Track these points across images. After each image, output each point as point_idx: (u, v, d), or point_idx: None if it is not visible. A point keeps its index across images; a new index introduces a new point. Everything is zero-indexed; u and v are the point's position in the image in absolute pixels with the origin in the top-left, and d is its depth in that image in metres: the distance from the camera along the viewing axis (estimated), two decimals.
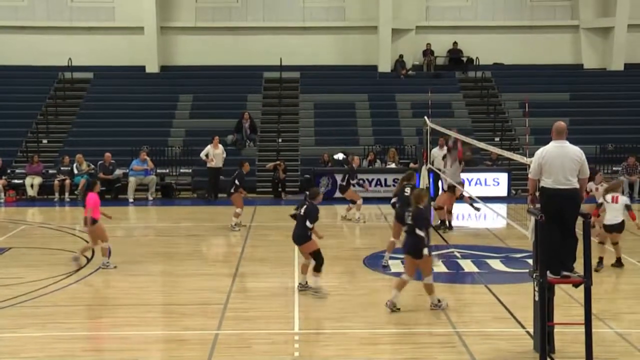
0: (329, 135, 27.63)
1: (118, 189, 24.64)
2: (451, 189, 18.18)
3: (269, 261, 15.09)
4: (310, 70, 31.23)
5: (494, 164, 25.51)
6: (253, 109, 29.05)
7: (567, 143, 9.42)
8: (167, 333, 10.90)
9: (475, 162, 25.06)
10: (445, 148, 20.82)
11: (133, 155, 25.02)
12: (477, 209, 19.53)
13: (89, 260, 14.85)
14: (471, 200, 18.93)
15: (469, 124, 28.23)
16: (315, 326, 11.24)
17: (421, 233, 11.33)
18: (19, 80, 30.63)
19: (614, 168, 25.51)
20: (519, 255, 15.35)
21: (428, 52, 31.75)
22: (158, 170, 25.36)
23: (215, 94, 29.99)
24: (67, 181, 24.26)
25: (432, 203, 18.02)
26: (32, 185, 24.50)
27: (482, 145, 15.90)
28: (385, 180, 24.43)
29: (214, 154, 24.15)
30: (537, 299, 9.41)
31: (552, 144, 9.44)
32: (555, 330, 9.54)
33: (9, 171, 25.41)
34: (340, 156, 25.17)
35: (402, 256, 14.19)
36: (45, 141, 27.70)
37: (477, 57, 31.21)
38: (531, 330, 10.12)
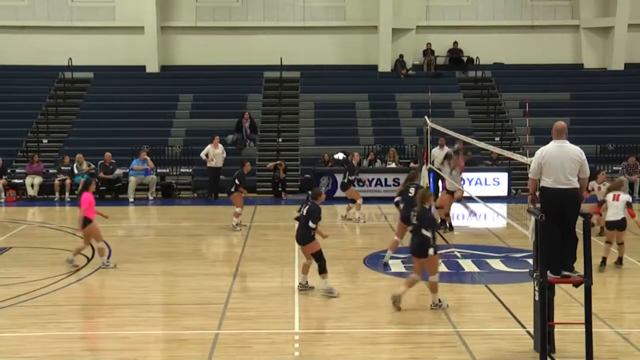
0: (329, 135, 27.61)
1: (118, 188, 24.64)
2: (451, 191, 18.15)
3: (269, 261, 15.09)
4: (310, 70, 31.20)
5: (494, 164, 25.49)
6: (253, 108, 29.03)
7: (567, 143, 9.41)
8: (167, 333, 10.90)
9: (475, 161, 25.06)
10: (445, 148, 20.86)
11: (133, 154, 24.98)
12: (473, 213, 19.44)
13: (89, 260, 14.85)
14: (466, 207, 18.78)
15: (469, 123, 28.21)
16: (315, 326, 11.25)
17: (427, 233, 11.36)
18: (19, 80, 30.61)
19: (614, 168, 25.46)
20: (519, 255, 15.34)
21: (428, 52, 31.73)
22: (158, 170, 25.32)
23: (215, 94, 29.98)
24: (68, 181, 24.23)
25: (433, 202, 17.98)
26: (32, 185, 24.48)
27: (482, 145, 15.90)
28: (386, 180, 24.42)
29: (214, 153, 24.14)
30: (537, 298, 9.40)
31: (552, 143, 9.43)
32: (556, 330, 9.53)
33: (9, 171, 25.38)
34: (340, 156, 25.13)
35: (402, 256, 14.28)
36: (45, 141, 27.68)
37: (477, 57, 31.17)
38: (531, 330, 10.12)
